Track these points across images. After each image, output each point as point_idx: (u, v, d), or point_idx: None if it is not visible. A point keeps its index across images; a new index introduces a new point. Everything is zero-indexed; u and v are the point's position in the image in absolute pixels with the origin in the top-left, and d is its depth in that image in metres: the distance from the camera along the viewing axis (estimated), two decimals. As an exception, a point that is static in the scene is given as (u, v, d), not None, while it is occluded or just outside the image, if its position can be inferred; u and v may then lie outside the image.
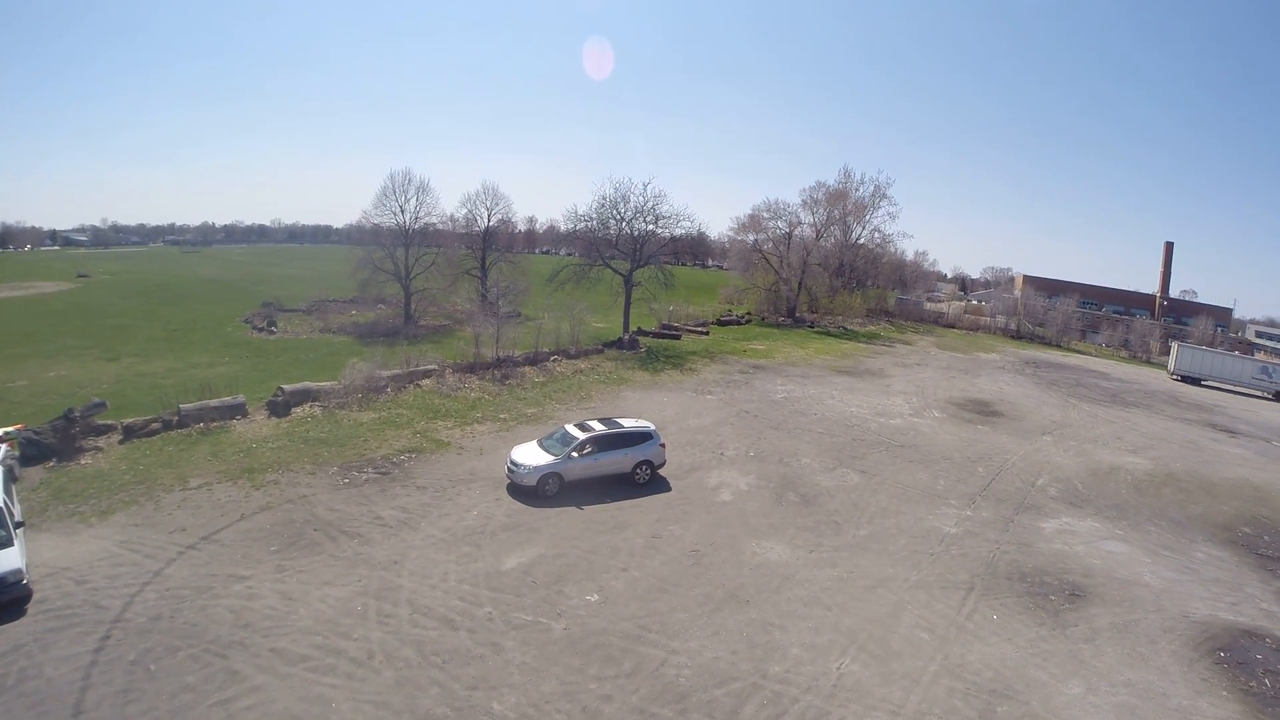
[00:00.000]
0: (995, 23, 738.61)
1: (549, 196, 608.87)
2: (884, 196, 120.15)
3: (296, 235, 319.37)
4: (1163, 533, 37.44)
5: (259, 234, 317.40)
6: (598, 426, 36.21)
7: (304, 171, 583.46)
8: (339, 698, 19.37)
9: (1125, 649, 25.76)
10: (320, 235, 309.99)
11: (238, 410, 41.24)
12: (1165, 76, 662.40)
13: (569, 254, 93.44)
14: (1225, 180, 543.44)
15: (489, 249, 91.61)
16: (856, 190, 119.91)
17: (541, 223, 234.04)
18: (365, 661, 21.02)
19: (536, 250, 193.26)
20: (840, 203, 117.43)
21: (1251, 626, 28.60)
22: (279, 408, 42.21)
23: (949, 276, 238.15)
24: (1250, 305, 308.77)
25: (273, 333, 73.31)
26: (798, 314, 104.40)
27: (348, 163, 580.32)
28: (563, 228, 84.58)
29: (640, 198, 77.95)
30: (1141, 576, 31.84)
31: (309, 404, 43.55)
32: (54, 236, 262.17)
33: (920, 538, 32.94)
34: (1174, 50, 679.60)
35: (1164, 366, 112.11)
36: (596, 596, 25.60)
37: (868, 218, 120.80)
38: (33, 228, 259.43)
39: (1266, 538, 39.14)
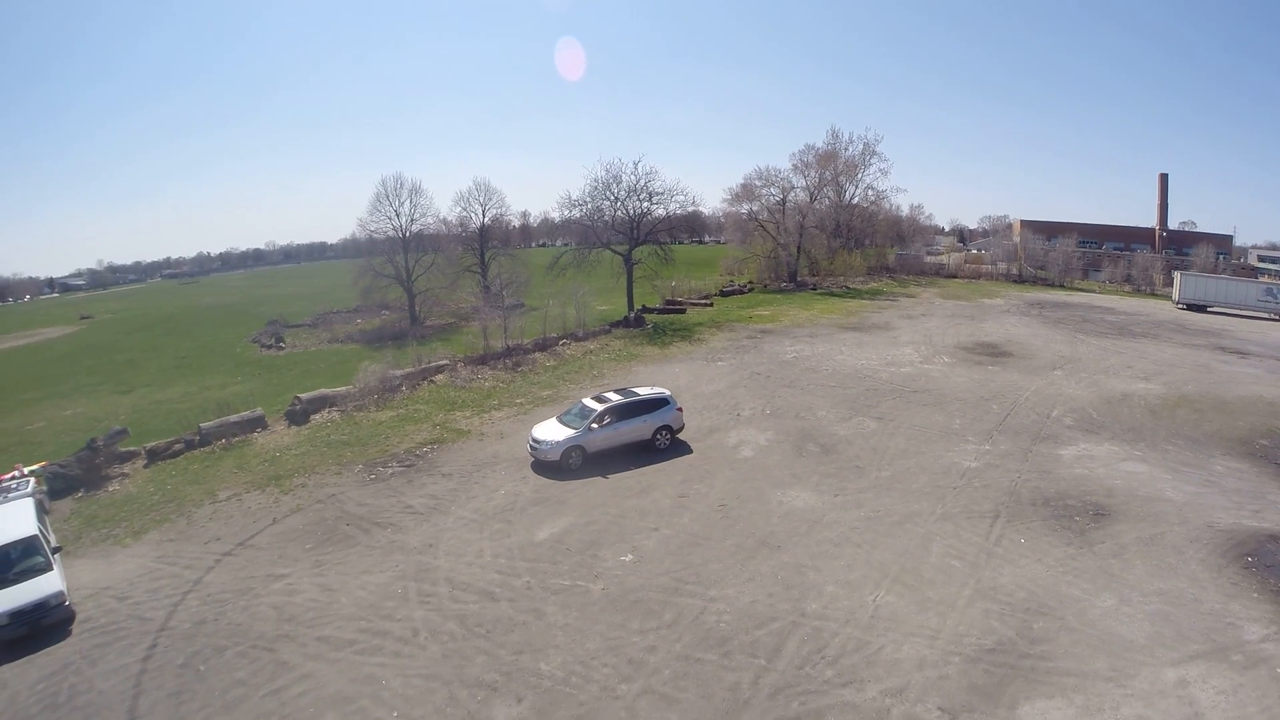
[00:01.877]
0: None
1: (540, 191, 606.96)
2: (874, 153, 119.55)
3: (292, 255, 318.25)
4: (1180, 451, 37.67)
5: (255, 258, 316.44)
6: (614, 397, 36.74)
7: (294, 191, 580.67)
8: (388, 675, 19.83)
9: (1153, 561, 26.08)
10: (316, 252, 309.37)
11: (257, 423, 41.63)
12: (1148, 7, 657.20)
13: (565, 244, 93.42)
14: (1216, 109, 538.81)
15: (486, 246, 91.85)
16: (846, 150, 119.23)
17: (535, 216, 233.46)
18: (410, 639, 21.48)
19: (533, 244, 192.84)
20: (831, 163, 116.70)
21: (1277, 531, 28.81)
22: (298, 416, 42.59)
23: (947, 230, 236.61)
24: (1251, 232, 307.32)
25: (281, 349, 73.62)
26: (799, 278, 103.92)
27: (336, 178, 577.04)
28: (556, 216, 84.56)
29: (632, 176, 78.24)
30: (1163, 493, 32.10)
31: (327, 410, 43.93)
32: (52, 284, 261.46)
33: (942, 474, 33.34)
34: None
35: (1169, 298, 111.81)
36: (631, 556, 26.07)
37: (859, 176, 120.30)
38: (30, 278, 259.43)
39: None
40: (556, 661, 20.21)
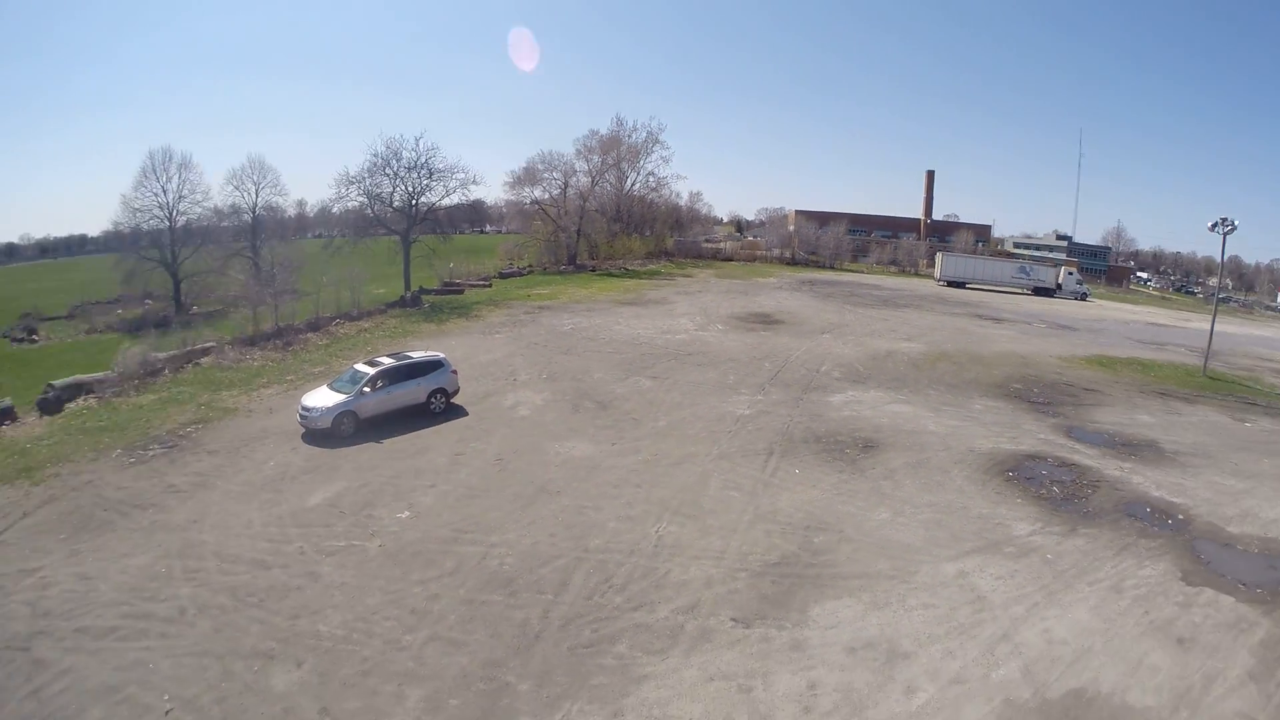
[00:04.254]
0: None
1: (316, 180, 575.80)
2: (657, 141, 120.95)
3: (50, 250, 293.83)
4: (941, 394, 41.56)
5: (7, 253, 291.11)
6: (387, 360, 35.74)
7: (55, 179, 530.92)
8: (156, 658, 18.42)
9: (922, 480, 28.96)
10: (75, 246, 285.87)
11: (4, 415, 38.20)
12: (908, 18, 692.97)
13: (342, 235, 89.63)
14: (982, 110, 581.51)
15: (259, 236, 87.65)
16: (630, 136, 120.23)
17: (312, 205, 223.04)
18: (178, 618, 20.08)
19: (309, 235, 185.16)
20: (614, 149, 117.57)
21: (1033, 451, 33.23)
22: (51, 405, 39.14)
23: (725, 220, 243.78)
24: (1008, 226, 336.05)
25: (34, 341, 67.84)
26: (578, 261, 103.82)
27: (102, 165, 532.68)
28: (333, 193, 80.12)
29: (413, 153, 76.82)
30: (927, 427, 35.41)
31: (83, 397, 40.32)
32: None
33: (716, 421, 34.64)
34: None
35: (932, 277, 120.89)
36: (408, 513, 25.50)
37: (641, 162, 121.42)
38: None
39: (1036, 389, 44.85)
40: (336, 621, 19.49)
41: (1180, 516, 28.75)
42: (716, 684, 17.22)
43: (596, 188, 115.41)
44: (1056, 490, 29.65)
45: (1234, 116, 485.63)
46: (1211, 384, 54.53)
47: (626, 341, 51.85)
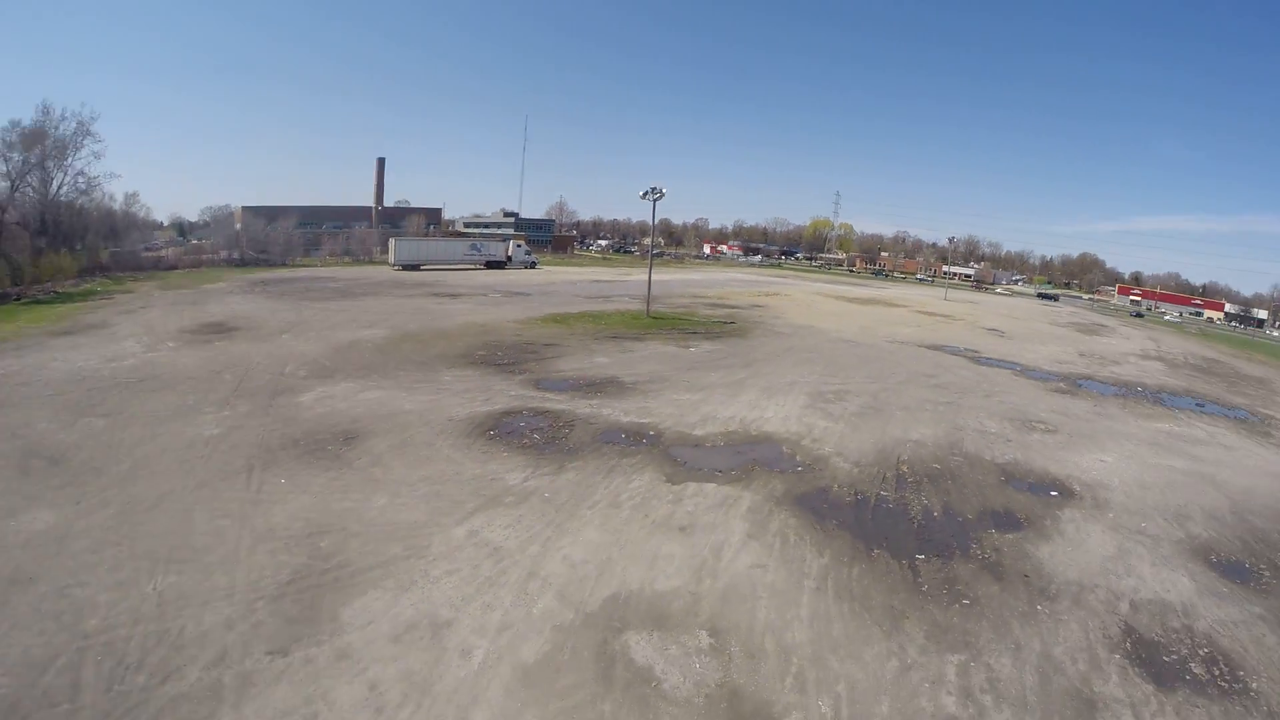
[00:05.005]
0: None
1: None
2: (89, 133, 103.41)
3: None
4: (411, 373, 44.13)
5: None
6: None
7: None
8: None
9: (410, 458, 30.80)
10: None
11: None
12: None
13: None
14: (430, 96, 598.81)
15: None
16: (57, 128, 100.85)
17: None
18: None
19: None
20: (39, 144, 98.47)
21: (508, 408, 37.51)
22: None
23: (166, 224, 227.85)
24: (459, 207, 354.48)
25: None
26: None
27: None
28: None
29: None
30: (403, 407, 37.43)
31: None
32: None
33: (186, 448, 32.42)
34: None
35: (387, 264, 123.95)
36: None
37: (70, 160, 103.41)
38: None
39: (500, 353, 50.10)
40: None
41: (652, 433, 34.91)
42: (281, 727, 16.75)
43: (17, 194, 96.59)
44: (537, 437, 33.71)
45: (659, 104, 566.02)
46: (655, 322, 64.92)
47: (67, 379, 44.81)
